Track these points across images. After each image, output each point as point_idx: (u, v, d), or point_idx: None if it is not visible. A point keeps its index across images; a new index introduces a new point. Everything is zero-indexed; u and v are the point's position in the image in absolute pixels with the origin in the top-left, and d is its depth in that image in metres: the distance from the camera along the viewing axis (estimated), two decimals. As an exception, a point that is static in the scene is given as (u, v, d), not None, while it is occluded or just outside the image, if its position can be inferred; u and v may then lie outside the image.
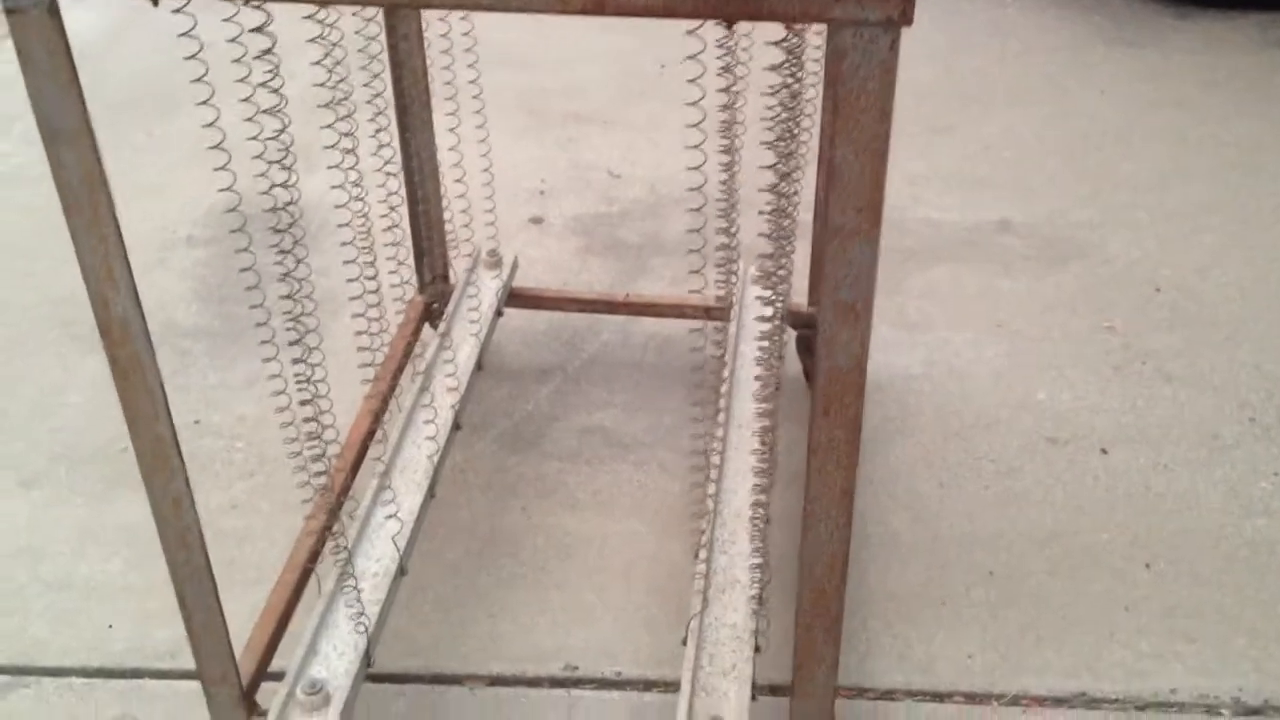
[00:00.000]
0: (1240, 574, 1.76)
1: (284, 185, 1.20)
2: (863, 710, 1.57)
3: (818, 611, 1.22)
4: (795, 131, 1.68)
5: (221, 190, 1.21)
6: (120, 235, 1.09)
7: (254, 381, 2.11)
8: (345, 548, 1.48)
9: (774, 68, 1.22)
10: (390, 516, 1.58)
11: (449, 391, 1.81)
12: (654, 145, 2.82)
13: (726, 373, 1.88)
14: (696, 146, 1.23)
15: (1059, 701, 1.59)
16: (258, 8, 1.14)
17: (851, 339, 1.05)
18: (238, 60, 1.14)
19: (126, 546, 1.80)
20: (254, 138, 1.17)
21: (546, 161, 2.76)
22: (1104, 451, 1.98)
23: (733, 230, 1.50)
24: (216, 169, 1.14)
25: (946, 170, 2.67)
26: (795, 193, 1.85)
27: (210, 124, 1.11)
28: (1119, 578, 1.76)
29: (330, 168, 1.34)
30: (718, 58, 1.16)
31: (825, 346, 1.06)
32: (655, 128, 2.89)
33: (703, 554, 1.57)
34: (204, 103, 1.10)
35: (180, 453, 1.23)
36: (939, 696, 1.59)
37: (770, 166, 1.30)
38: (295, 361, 1.30)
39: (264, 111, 1.15)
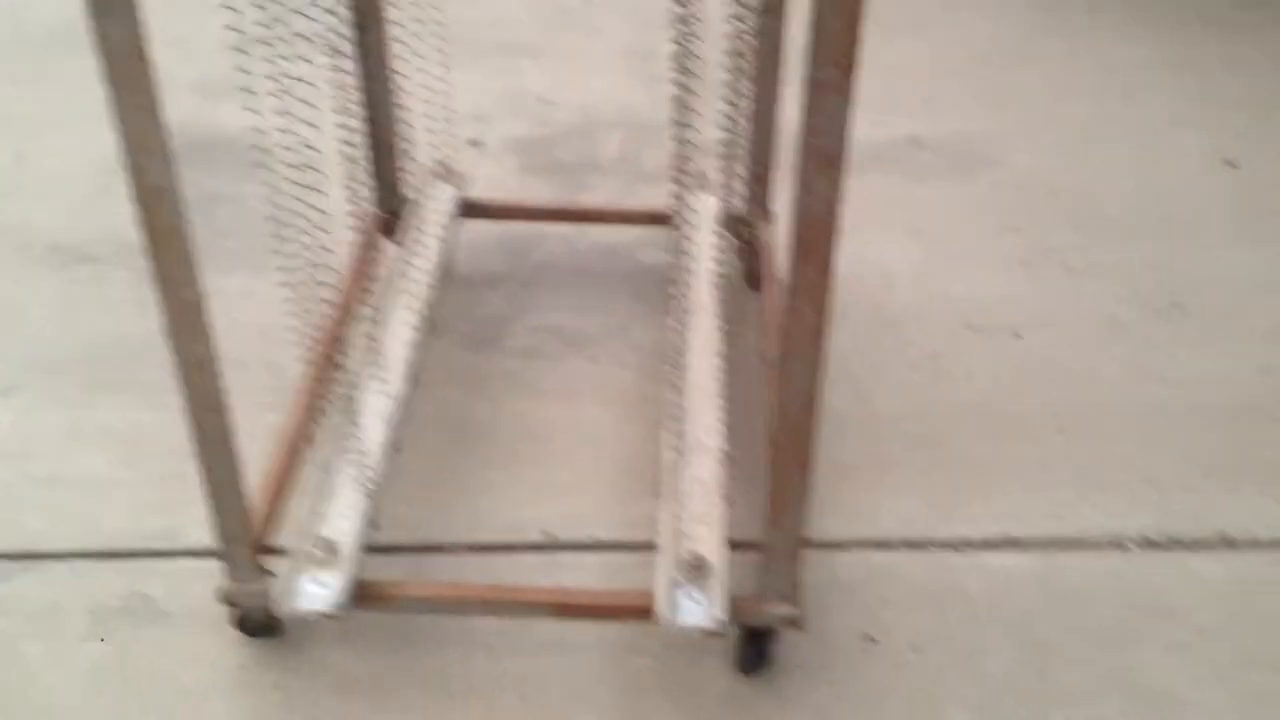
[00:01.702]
0: (1141, 434, 1.96)
1: (309, 123, 1.29)
2: (816, 559, 1.73)
3: (792, 447, 1.37)
4: (744, 49, 1.82)
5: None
6: (159, 105, 1.18)
7: (217, 293, 2.18)
8: (351, 393, 1.58)
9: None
10: (381, 392, 1.68)
11: (420, 287, 1.92)
12: (581, 72, 2.94)
13: (678, 267, 2.02)
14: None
15: (989, 544, 1.77)
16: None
17: (827, 186, 1.19)
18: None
19: (111, 446, 1.87)
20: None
21: (478, 89, 2.85)
22: (1017, 335, 2.17)
23: (684, 141, 1.64)
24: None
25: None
26: (742, 105, 1.99)
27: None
28: (1036, 442, 1.95)
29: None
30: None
31: (803, 193, 1.20)
32: (581, 56, 3.00)
33: (670, 423, 1.71)
34: None
35: (206, 317, 1.32)
36: (883, 545, 1.77)
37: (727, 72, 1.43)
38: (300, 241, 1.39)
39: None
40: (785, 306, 1.28)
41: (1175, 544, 1.78)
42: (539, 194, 2.51)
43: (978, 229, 2.45)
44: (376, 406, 1.71)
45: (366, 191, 2.16)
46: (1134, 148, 2.71)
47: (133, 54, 1.12)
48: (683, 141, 1.83)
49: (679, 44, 1.66)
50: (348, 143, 1.54)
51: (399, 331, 1.83)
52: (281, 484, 1.64)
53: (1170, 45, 3.12)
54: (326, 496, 1.57)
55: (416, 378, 1.82)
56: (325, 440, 1.67)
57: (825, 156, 1.17)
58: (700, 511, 1.58)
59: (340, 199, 1.58)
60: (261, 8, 1.32)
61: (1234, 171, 2.61)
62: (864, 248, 2.36)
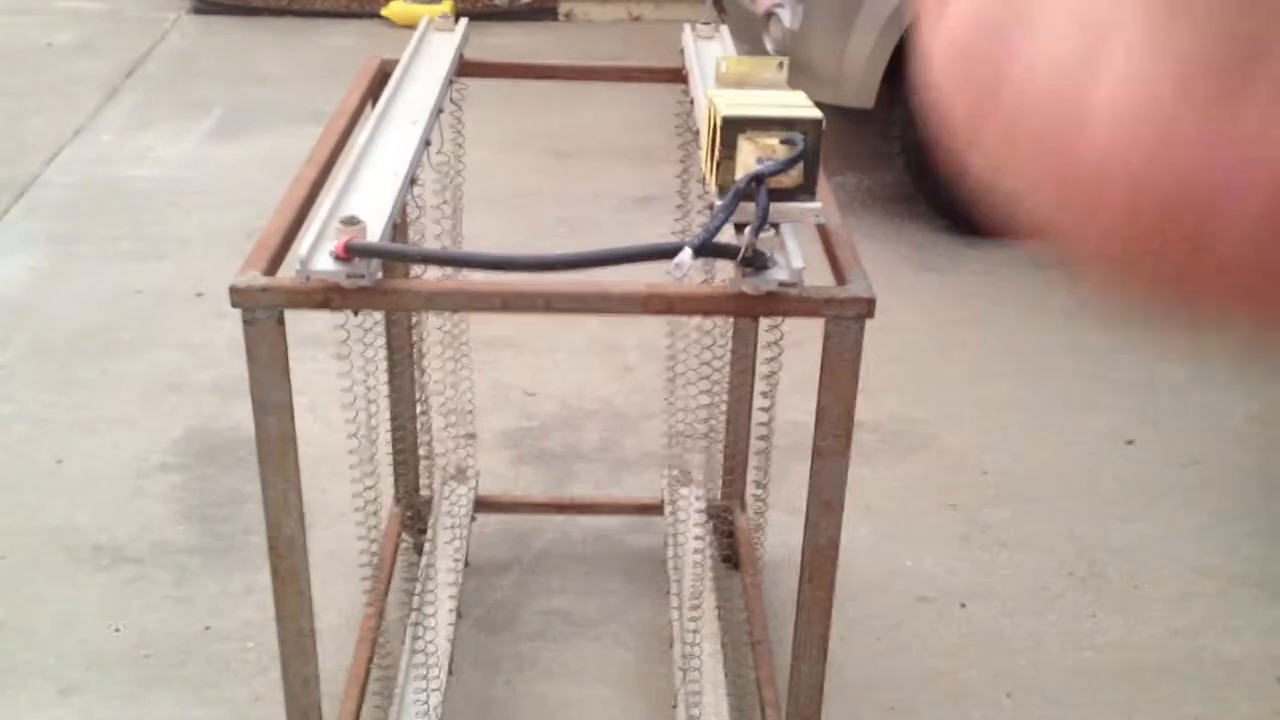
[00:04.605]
0: (1080, 694, 2.26)
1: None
2: (812, 823, 1.97)
3: (802, 731, 1.64)
4: (721, 380, 2.18)
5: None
6: (298, 477, 1.46)
7: (251, 590, 2.41)
8: (400, 690, 1.82)
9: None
10: (435, 689, 1.92)
11: (453, 585, 2.18)
12: (558, 365, 3.29)
13: (670, 555, 2.32)
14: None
15: (959, 803, 2.03)
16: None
17: (829, 525, 1.51)
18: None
19: (169, 740, 2.06)
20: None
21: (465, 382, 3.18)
22: (963, 605, 2.48)
23: (672, 448, 1.97)
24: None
25: (801, 380, 3.22)
26: (718, 419, 2.35)
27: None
28: (989, 706, 2.23)
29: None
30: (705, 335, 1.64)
31: (810, 531, 1.52)
32: (556, 349, 3.36)
33: (680, 708, 1.97)
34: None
35: (315, 643, 1.57)
36: (868, 807, 2.02)
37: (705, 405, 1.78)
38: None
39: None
40: (797, 618, 1.57)
41: (1116, 796, 2.06)
42: (531, 483, 2.80)
43: (919, 506, 2.79)
44: (423, 700, 1.94)
45: (390, 490, 2.43)
46: (1046, 428, 3.11)
47: (283, 439, 1.42)
48: (672, 450, 2.16)
49: (669, 377, 2.01)
50: (369, 441, 1.81)
51: (439, 629, 2.08)
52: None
53: (1064, 332, 3.58)
54: (390, 786, 1.79)
55: (451, 668, 2.06)
56: (379, 732, 1.89)
57: (828, 503, 1.50)
58: (716, 787, 1.83)
59: (359, 497, 1.83)
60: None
61: (1132, 448, 3.01)
62: (823, 527, 2.68)
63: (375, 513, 1.79)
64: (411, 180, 1.59)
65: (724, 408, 2.40)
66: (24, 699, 2.14)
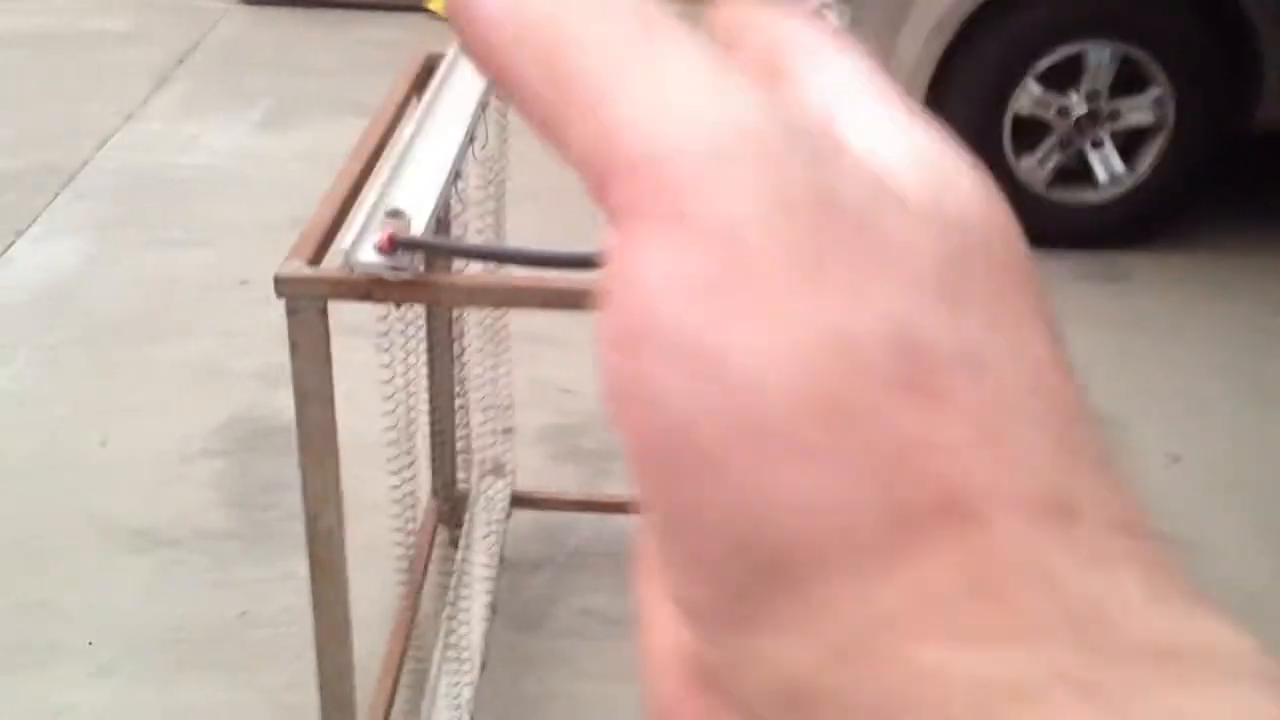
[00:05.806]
0: None
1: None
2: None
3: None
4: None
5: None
6: (338, 468, 1.46)
7: (289, 577, 2.42)
8: (434, 684, 1.82)
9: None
10: (467, 684, 1.92)
11: (488, 580, 2.18)
12: (595, 362, 3.28)
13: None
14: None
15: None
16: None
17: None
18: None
19: (203, 724, 2.08)
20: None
21: (503, 377, 3.18)
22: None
23: None
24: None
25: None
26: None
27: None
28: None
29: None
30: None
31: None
32: (593, 346, 3.35)
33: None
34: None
35: (350, 633, 1.58)
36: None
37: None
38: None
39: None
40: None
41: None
42: (567, 480, 2.80)
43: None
44: (455, 695, 1.94)
45: (427, 483, 2.43)
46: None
47: (324, 429, 1.42)
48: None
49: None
50: (408, 433, 1.80)
51: (474, 624, 2.09)
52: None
53: (1112, 343, 3.54)
54: (420, 779, 1.79)
55: (484, 663, 2.06)
56: (410, 724, 1.90)
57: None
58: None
59: (396, 489, 1.82)
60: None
61: (1178, 465, 2.97)
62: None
63: (412, 505, 1.79)
64: (456, 175, 1.59)
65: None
66: (59, 677, 2.16)
